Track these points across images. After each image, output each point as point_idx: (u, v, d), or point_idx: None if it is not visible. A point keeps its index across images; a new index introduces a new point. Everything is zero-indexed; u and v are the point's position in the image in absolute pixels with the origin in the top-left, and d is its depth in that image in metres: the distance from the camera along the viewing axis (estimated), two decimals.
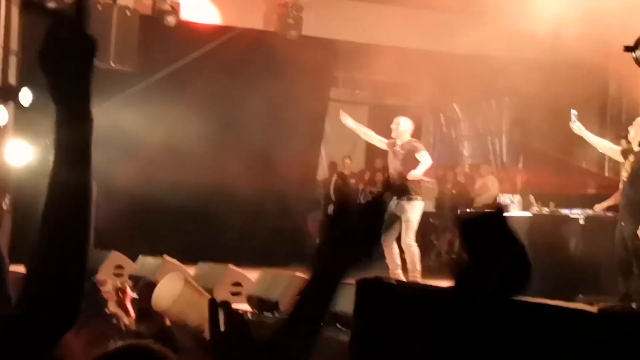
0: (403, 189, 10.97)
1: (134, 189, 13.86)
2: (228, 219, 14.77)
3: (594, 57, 12.31)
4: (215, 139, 14.74)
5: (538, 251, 11.41)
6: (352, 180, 18.42)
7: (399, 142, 11.34)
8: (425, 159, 11.20)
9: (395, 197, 10.91)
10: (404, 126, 11.48)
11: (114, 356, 2.14)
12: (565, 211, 11.69)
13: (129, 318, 7.41)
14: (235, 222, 14.96)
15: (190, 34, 14.48)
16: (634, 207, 9.74)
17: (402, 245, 10.97)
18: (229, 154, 14.66)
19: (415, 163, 11.14)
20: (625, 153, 10.27)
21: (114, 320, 7.24)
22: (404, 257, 11.03)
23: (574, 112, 10.42)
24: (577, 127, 10.41)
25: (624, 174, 10.09)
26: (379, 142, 11.66)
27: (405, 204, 10.98)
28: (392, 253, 10.86)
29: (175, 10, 14.43)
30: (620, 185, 10.29)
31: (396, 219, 10.89)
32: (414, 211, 11.04)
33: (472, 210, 12.90)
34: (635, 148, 9.99)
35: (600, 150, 10.72)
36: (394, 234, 10.91)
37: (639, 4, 11.35)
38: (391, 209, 10.82)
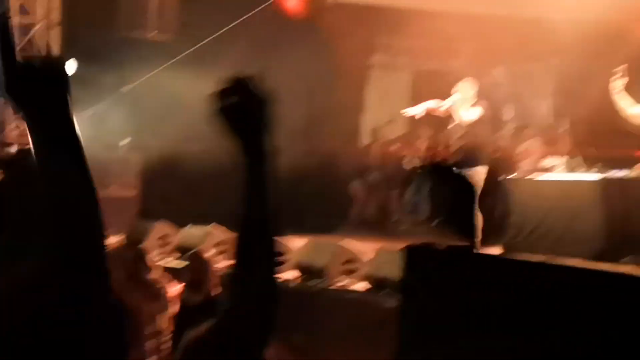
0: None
1: (176, 161, 13.91)
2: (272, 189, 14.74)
3: (632, 15, 12.13)
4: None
5: (582, 213, 11.34)
6: (396, 146, 18.32)
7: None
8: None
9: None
10: (466, 91, 11.27)
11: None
12: (612, 172, 11.57)
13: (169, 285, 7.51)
14: (278, 191, 14.94)
15: (230, 2, 14.43)
16: None
17: None
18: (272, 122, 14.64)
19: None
20: None
21: (155, 289, 7.34)
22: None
23: (618, 70, 10.27)
24: (619, 86, 10.24)
25: None
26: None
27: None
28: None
29: None
30: None
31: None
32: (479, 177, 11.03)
33: (514, 175, 12.77)
34: None
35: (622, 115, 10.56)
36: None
37: None
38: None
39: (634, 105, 10.34)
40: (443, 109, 11.11)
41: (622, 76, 10.20)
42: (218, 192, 14.51)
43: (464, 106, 11.02)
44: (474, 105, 11.07)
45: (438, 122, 11.59)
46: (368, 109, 18.26)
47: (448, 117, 11.21)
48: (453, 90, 11.21)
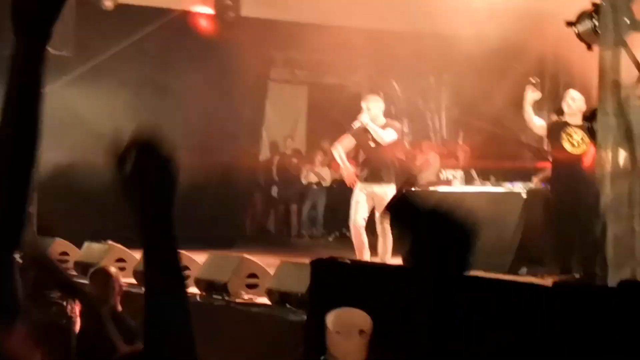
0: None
1: (75, 174, 13.77)
2: None
3: (529, 32, 12.44)
4: (154, 123, 14.64)
5: (480, 225, 11.57)
6: (294, 160, 18.43)
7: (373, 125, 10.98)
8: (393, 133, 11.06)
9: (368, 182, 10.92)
10: (377, 108, 11.08)
11: None
12: (506, 185, 11.85)
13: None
14: (177, 205, 14.88)
15: (127, 17, 14.36)
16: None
17: (378, 229, 10.86)
18: (170, 137, 14.56)
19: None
20: (557, 127, 10.42)
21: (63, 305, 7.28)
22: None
23: (532, 80, 10.52)
24: (530, 98, 10.49)
25: (569, 147, 10.21)
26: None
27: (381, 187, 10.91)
28: (361, 235, 10.84)
29: None
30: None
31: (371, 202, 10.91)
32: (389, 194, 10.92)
33: (415, 188, 12.98)
34: (576, 122, 10.16)
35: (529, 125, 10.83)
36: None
37: None
38: (367, 193, 10.90)
39: (537, 117, 10.64)
40: (356, 126, 11.04)
41: (535, 89, 10.49)
42: (113, 208, 14.44)
43: (375, 122, 10.94)
44: (385, 125, 11.03)
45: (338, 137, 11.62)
46: (268, 122, 18.33)
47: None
48: (363, 104, 11.07)
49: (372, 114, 10.94)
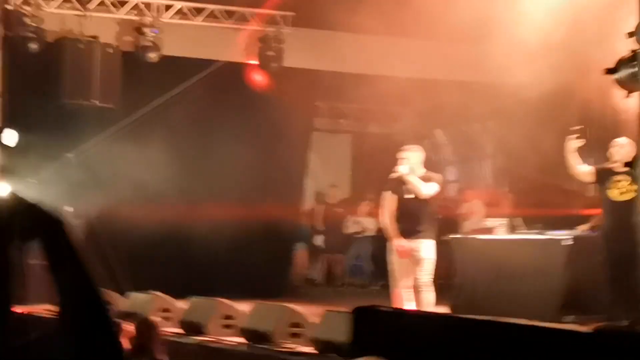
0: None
1: (119, 227, 13.87)
2: (216, 253, 14.76)
3: (574, 79, 12.40)
4: (200, 173, 14.77)
5: (526, 273, 11.49)
6: (340, 210, 18.44)
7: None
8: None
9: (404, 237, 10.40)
10: (416, 157, 10.67)
11: None
12: (552, 232, 11.75)
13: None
14: (223, 256, 14.95)
15: (172, 68, 14.52)
16: None
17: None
18: (214, 188, 14.66)
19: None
20: (605, 174, 10.37)
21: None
22: None
23: (574, 129, 10.51)
24: (573, 145, 10.47)
25: (616, 194, 10.15)
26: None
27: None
28: (402, 300, 10.13)
29: (156, 45, 14.49)
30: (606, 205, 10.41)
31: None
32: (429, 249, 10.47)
33: (460, 235, 12.91)
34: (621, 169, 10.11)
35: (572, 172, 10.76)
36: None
37: (616, 27, 11.45)
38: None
39: (582, 164, 10.59)
40: (395, 175, 10.70)
41: (579, 137, 10.47)
42: (158, 258, 14.55)
43: (415, 173, 10.52)
44: (425, 176, 10.58)
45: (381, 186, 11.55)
46: (312, 172, 18.37)
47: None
48: (401, 156, 10.67)
49: (411, 163, 10.57)
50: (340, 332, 7.98)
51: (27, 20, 13.69)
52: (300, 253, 18.45)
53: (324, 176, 19.16)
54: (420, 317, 5.15)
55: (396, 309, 5.60)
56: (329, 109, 19.02)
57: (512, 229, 12.39)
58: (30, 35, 13.68)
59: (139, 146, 13.77)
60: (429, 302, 10.25)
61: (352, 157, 20.11)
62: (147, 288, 11.54)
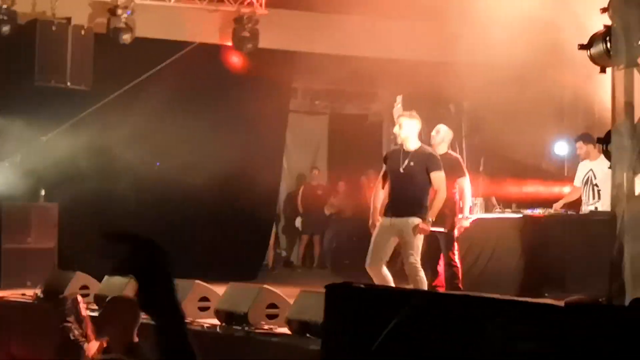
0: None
1: (95, 209, 13.80)
2: (192, 235, 14.74)
3: (547, 60, 12.42)
4: (175, 155, 14.70)
5: (503, 252, 11.55)
6: (319, 192, 18.45)
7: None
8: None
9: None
10: (410, 126, 10.24)
11: None
12: (527, 212, 11.81)
13: (82, 330, 7.54)
14: (199, 238, 14.93)
15: (145, 50, 14.44)
16: None
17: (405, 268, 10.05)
18: (190, 170, 14.60)
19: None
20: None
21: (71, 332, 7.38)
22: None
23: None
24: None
25: None
26: None
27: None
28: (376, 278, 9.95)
29: (130, 27, 14.39)
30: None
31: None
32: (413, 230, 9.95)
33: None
34: None
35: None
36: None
37: (591, 9, 11.48)
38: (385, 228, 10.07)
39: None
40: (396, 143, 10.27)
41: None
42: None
43: (407, 144, 10.16)
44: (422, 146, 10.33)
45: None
46: (288, 153, 18.34)
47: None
48: (399, 121, 10.30)
49: (405, 132, 10.20)
50: (315, 313, 7.97)
51: None
52: (278, 234, 18.46)
53: (301, 158, 19.15)
54: (393, 293, 5.13)
55: (368, 284, 5.59)
56: (305, 90, 18.97)
57: (487, 208, 12.44)
58: (2, 17, 13.57)
59: (113, 128, 13.71)
60: (424, 282, 9.96)
61: (328, 138, 20.09)
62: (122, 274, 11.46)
